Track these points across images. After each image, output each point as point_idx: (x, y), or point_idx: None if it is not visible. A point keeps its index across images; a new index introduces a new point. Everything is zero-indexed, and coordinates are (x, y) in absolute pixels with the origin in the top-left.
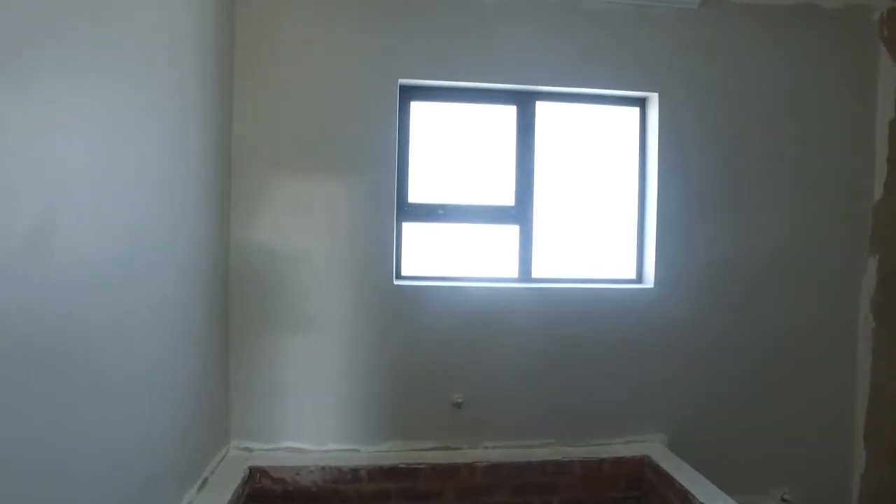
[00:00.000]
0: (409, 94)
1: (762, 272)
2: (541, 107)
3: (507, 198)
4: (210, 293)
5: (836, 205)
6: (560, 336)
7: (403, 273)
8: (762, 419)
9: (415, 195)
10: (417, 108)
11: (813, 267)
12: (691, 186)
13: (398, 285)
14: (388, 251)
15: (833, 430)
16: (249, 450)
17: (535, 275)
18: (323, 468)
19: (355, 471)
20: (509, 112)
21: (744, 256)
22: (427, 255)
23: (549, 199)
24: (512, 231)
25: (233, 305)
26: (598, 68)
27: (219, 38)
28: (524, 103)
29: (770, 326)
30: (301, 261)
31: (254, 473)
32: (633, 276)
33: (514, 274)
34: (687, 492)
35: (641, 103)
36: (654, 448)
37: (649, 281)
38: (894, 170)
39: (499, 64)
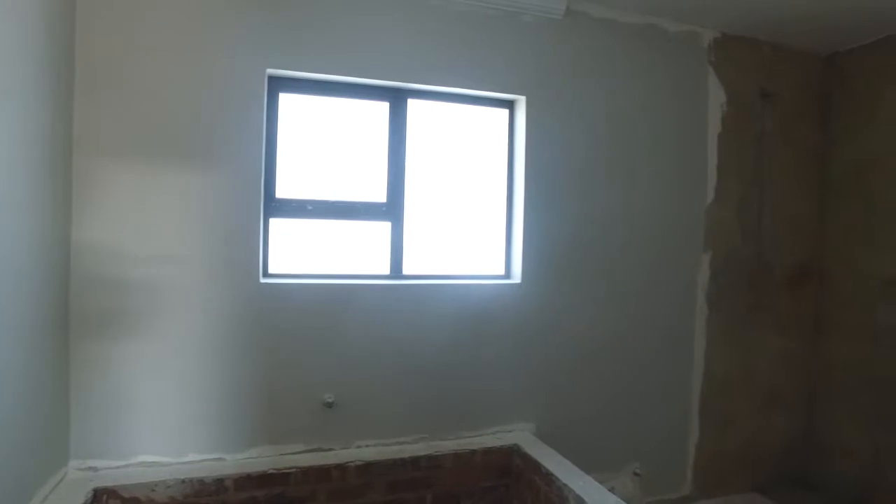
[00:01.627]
0: (279, 85)
1: (618, 267)
2: (413, 104)
3: (379, 195)
4: (45, 298)
5: (677, 207)
6: (431, 331)
7: (271, 271)
8: (616, 402)
9: (283, 190)
10: (287, 100)
11: (658, 262)
12: (555, 186)
13: (265, 284)
14: (253, 248)
15: (674, 407)
16: (94, 469)
17: (406, 271)
18: (183, 481)
19: (220, 481)
20: (382, 109)
21: (602, 253)
22: (296, 252)
23: (422, 197)
24: (384, 228)
25: (74, 312)
26: (468, 69)
27: (52, 14)
28: (396, 100)
29: (623, 318)
30: (155, 260)
31: (99, 495)
32: (501, 271)
33: (386, 271)
34: (552, 475)
35: (510, 105)
36: (522, 437)
37: (516, 276)
38: (722, 177)
39: (371, 59)
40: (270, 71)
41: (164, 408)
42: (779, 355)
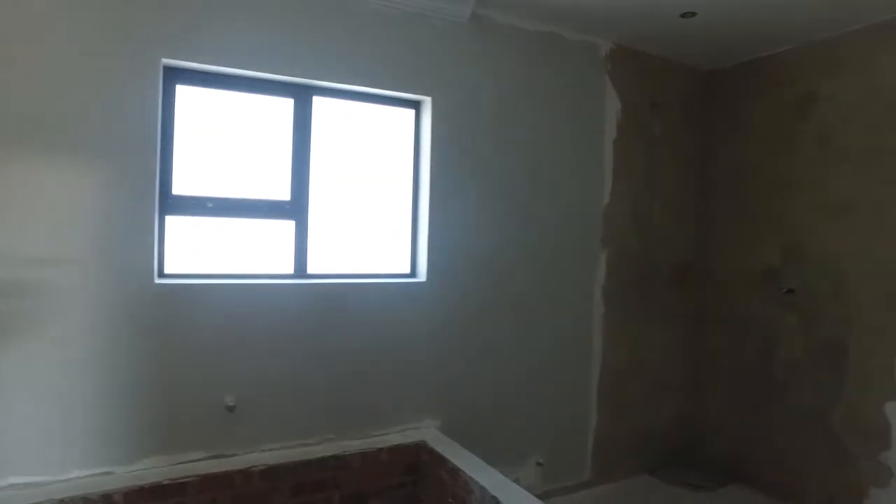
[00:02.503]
0: (176, 76)
1: (521, 266)
2: (318, 102)
3: (283, 193)
4: None
5: (577, 208)
6: (337, 331)
7: (167, 271)
8: (520, 396)
9: (181, 187)
10: (185, 92)
11: (559, 260)
12: (460, 187)
13: (160, 284)
14: (147, 247)
15: (574, 399)
16: None
17: (310, 270)
18: (62, 501)
19: (107, 497)
20: (286, 105)
21: (506, 251)
22: (196, 251)
23: (327, 195)
24: (288, 226)
25: None
26: (375, 69)
27: None
28: (301, 97)
29: (525, 314)
30: (32, 262)
31: None
32: (407, 270)
33: (290, 270)
34: (458, 469)
35: (416, 106)
36: (429, 433)
37: (422, 275)
38: (618, 180)
39: (275, 54)
40: (166, 61)
41: (40, 422)
42: (666, 345)
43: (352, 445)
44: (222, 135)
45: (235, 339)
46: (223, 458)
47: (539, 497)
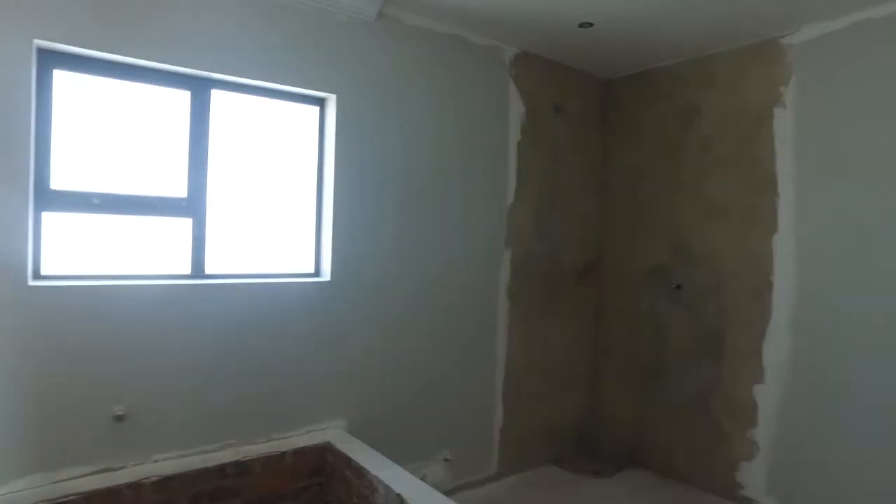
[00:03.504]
0: (53, 60)
1: (426, 264)
2: (217, 96)
3: (180, 189)
4: None
5: (483, 208)
6: (237, 333)
7: (45, 272)
8: (427, 393)
9: (61, 182)
10: (66, 79)
11: (465, 260)
12: (366, 185)
13: (36, 287)
14: (20, 246)
15: (480, 394)
16: None
17: (209, 271)
18: None
19: None
20: (183, 98)
21: (411, 250)
22: (81, 250)
23: (227, 193)
24: (184, 225)
25: None
26: (278, 64)
27: None
28: (199, 90)
29: (431, 313)
30: None
31: None
32: (311, 269)
33: (187, 270)
34: (363, 468)
35: (321, 103)
36: (334, 434)
37: (326, 274)
38: (522, 181)
39: (168, 42)
40: (39, 42)
41: None
42: (569, 340)
43: (253, 450)
44: (111, 127)
45: (125, 343)
46: (110, 473)
47: (448, 492)
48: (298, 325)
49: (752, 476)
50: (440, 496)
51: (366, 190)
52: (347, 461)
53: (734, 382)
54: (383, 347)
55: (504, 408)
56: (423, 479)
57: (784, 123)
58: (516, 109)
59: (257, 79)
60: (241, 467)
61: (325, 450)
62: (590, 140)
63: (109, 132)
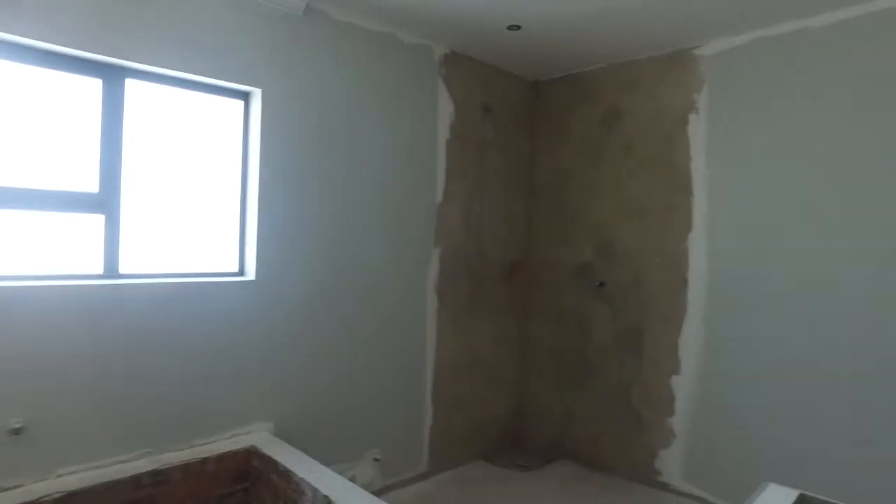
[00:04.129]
0: None
1: (356, 263)
2: (133, 86)
3: (91, 184)
4: None
5: (411, 206)
6: (155, 335)
7: None
8: (355, 393)
9: None
10: None
11: (393, 258)
12: (292, 182)
13: None
14: None
15: (410, 393)
16: None
17: (123, 270)
18: None
19: None
20: (94, 86)
21: (338, 248)
22: None
23: (144, 188)
24: (96, 221)
25: None
26: (199, 54)
27: None
28: (112, 79)
29: (359, 311)
30: None
31: None
32: (234, 268)
33: (99, 270)
34: (289, 471)
35: (245, 97)
36: (260, 437)
37: (250, 273)
38: (450, 180)
39: (77, 27)
40: None
41: None
42: (497, 337)
43: (172, 458)
44: (11, 114)
45: (23, 348)
46: (4, 492)
47: (378, 492)
48: (222, 326)
49: (669, 462)
50: (368, 496)
51: (292, 187)
52: (274, 464)
53: (653, 374)
54: (310, 347)
55: (434, 406)
56: (352, 479)
57: (697, 128)
58: (446, 109)
59: (177, 69)
60: (158, 476)
61: (251, 454)
62: (518, 140)
63: (8, 119)
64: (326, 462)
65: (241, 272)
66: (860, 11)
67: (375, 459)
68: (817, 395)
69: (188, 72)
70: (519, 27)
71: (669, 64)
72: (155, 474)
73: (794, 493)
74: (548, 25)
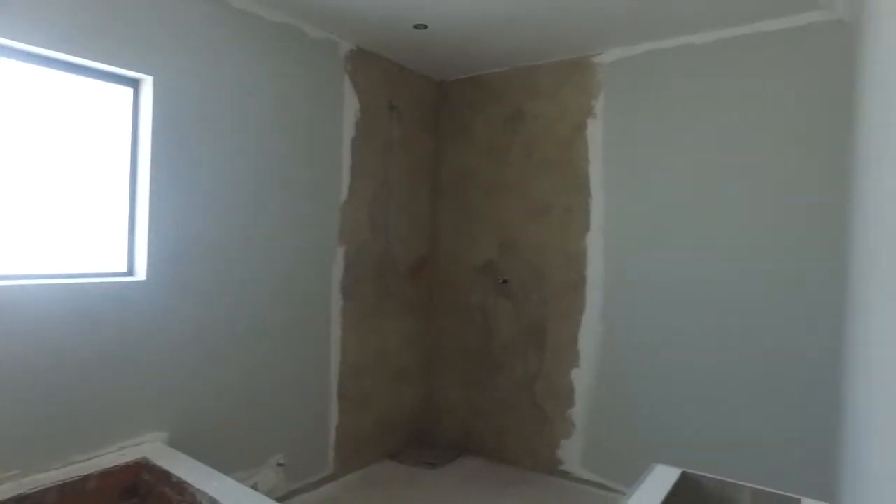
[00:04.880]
0: None
1: (254, 261)
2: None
3: None
4: None
5: (315, 203)
6: (26, 342)
7: None
8: (258, 397)
9: None
10: None
11: (297, 256)
12: (186, 177)
13: None
14: None
15: (315, 395)
16: None
17: None
18: None
19: None
20: None
21: (238, 246)
22: None
23: (16, 181)
24: None
25: None
26: (80, 33)
27: None
28: None
29: (261, 312)
30: None
31: None
32: (123, 268)
33: None
34: (184, 482)
35: (135, 84)
36: (152, 448)
37: (141, 273)
38: (355, 178)
39: None
40: None
41: None
42: (403, 336)
43: (45, 479)
44: None
45: None
46: None
47: (283, 497)
48: (108, 331)
49: (570, 452)
50: (269, 502)
51: (187, 183)
52: (167, 476)
53: (555, 368)
54: (207, 351)
55: (339, 406)
56: (254, 486)
57: (595, 132)
58: (351, 106)
59: (52, 49)
60: (30, 501)
61: (140, 467)
62: (423, 140)
63: None
64: (227, 470)
65: (131, 272)
66: (737, 33)
67: (279, 464)
68: (701, 384)
69: (66, 52)
70: (425, 26)
71: (571, 70)
72: (24, 499)
73: (677, 472)
74: (454, 26)
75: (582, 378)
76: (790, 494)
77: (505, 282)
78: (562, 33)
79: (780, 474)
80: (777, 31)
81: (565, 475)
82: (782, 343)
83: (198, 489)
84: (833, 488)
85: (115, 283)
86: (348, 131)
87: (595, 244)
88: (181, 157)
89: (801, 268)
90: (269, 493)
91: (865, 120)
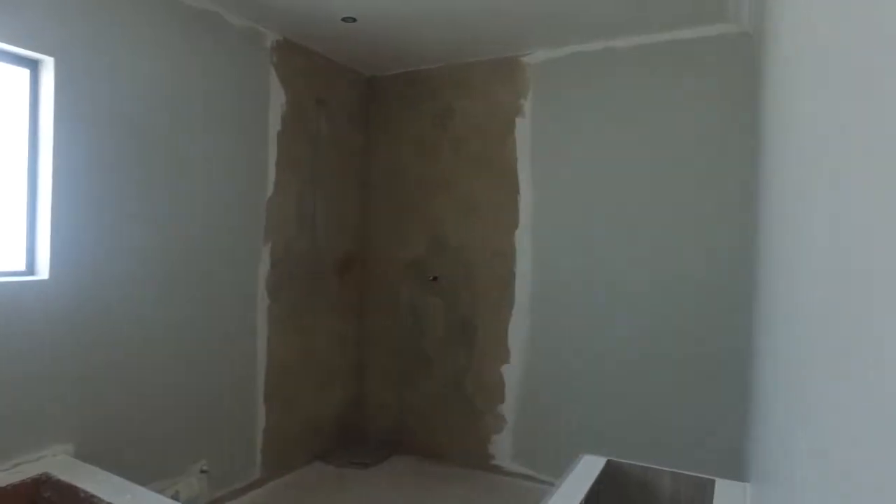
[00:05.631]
0: None
1: (173, 259)
2: None
3: None
4: None
5: (239, 198)
6: None
7: None
8: (177, 402)
9: None
10: None
11: (220, 253)
12: (95, 169)
13: None
14: None
15: (240, 398)
16: None
17: None
18: None
19: None
20: None
21: (153, 242)
22: None
23: None
24: None
25: None
26: None
27: None
28: None
29: (181, 313)
30: None
31: None
32: (21, 267)
33: None
34: (93, 497)
35: (34, 66)
36: (55, 462)
37: (43, 272)
38: (281, 172)
39: None
40: None
41: None
42: (332, 335)
43: None
44: None
45: None
46: None
47: None
48: (6, 336)
49: (501, 446)
50: None
51: (95, 175)
52: (73, 492)
53: (485, 364)
54: (120, 355)
55: (267, 409)
56: (175, 496)
57: (524, 131)
58: (277, 99)
59: None
60: None
61: (40, 484)
62: (353, 135)
63: None
64: (144, 481)
65: (31, 271)
66: (655, 39)
67: (203, 471)
68: (624, 377)
69: None
70: (354, 20)
71: (500, 68)
72: None
73: (602, 460)
74: (383, 20)
75: (512, 373)
76: (706, 476)
77: (435, 279)
78: (491, 31)
79: (698, 459)
80: (691, 39)
81: (497, 469)
82: (699, 339)
83: (109, 503)
84: (744, 469)
85: (13, 282)
86: (274, 124)
87: (523, 241)
88: (89, 147)
89: (715, 267)
90: (191, 503)
91: (766, 124)
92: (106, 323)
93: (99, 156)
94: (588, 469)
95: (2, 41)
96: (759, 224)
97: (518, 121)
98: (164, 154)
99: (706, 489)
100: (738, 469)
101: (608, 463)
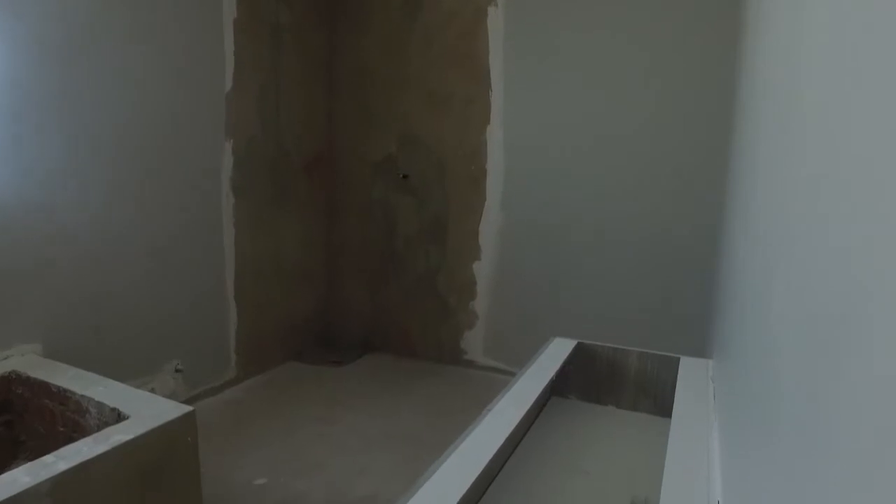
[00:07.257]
0: None
1: (131, 153)
2: None
3: None
4: None
5: (197, 92)
6: None
7: None
8: (148, 302)
9: None
10: None
11: (180, 148)
12: (45, 69)
13: None
14: None
15: (210, 297)
16: None
17: None
18: None
19: None
20: None
21: (116, 134)
22: None
23: None
24: None
25: None
26: None
27: None
28: None
29: (142, 206)
30: None
31: None
32: None
33: None
34: (66, 391)
35: None
36: (23, 361)
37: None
38: (240, 65)
39: None
40: None
41: None
42: (303, 234)
43: None
44: None
45: None
46: None
47: (184, 402)
48: None
49: (473, 341)
50: (163, 400)
51: (46, 74)
52: (45, 388)
53: (457, 262)
54: (88, 253)
55: (238, 309)
56: (150, 392)
57: (496, 21)
58: None
59: None
60: None
61: (10, 381)
62: (316, 27)
63: None
64: (119, 379)
65: None
66: None
67: (177, 370)
68: (594, 267)
69: None
70: None
71: None
72: None
73: (573, 343)
74: None
75: (483, 270)
76: (671, 354)
77: (405, 177)
78: None
79: (664, 340)
80: None
81: (469, 364)
82: (666, 227)
83: (83, 395)
84: (708, 348)
85: None
86: (229, 12)
87: (495, 137)
88: (28, 46)
89: (688, 160)
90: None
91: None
92: (67, 226)
93: (38, 55)
94: (559, 350)
95: None
96: (738, 125)
97: (490, 10)
98: (114, 43)
99: (672, 365)
100: (701, 348)
101: (578, 345)
